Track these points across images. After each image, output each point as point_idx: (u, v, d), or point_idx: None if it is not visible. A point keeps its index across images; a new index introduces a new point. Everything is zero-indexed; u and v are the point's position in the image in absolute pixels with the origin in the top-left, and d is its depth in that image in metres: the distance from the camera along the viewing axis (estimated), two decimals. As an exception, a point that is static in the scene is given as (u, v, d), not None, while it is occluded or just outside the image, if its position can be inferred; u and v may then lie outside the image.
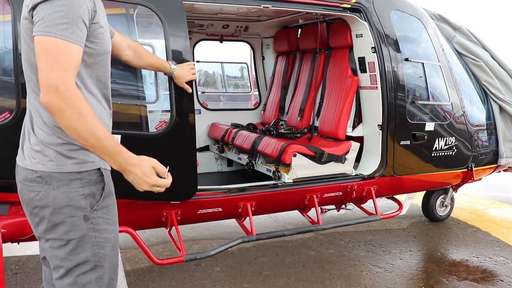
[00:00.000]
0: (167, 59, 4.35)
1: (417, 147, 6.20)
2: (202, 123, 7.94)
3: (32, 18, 2.22)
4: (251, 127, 7.58)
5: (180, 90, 4.44)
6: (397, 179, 6.22)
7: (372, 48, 5.82)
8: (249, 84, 10.01)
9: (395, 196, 6.77)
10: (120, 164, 2.29)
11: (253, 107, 8.58)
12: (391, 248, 6.64)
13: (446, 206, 7.80)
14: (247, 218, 5.43)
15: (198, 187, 5.34)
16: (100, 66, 2.46)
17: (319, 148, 5.87)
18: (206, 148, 7.99)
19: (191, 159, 4.73)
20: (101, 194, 2.45)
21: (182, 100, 4.53)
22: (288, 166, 5.82)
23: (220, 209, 5.33)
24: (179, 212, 5.09)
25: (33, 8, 2.20)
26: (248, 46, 8.40)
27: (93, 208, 2.42)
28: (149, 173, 2.32)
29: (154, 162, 2.37)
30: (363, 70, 6.08)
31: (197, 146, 7.77)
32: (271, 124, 7.63)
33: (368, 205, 6.34)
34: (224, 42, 8.08)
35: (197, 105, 7.92)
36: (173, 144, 4.54)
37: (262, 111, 8.24)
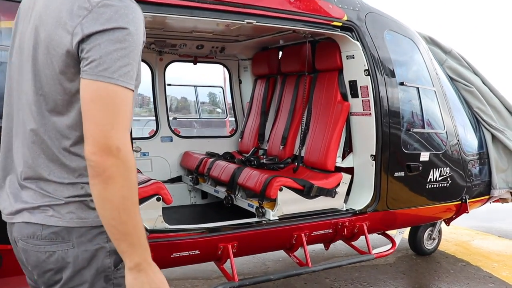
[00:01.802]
0: None
1: (412, 179, 5.76)
2: (174, 151, 7.28)
3: (80, 52, 1.78)
4: (228, 157, 6.95)
5: None
6: (390, 214, 5.71)
7: (365, 70, 5.32)
8: (224, 110, 9.40)
9: (386, 232, 6.21)
10: (141, 262, 1.86)
11: (229, 134, 7.95)
12: (380, 287, 6.20)
13: (434, 239, 7.38)
14: (228, 260, 4.74)
15: (171, 226, 4.70)
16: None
17: (307, 181, 5.27)
18: (178, 179, 7.31)
19: None
20: None
21: None
22: (273, 201, 5.19)
23: (197, 252, 4.67)
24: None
25: (83, 39, 1.75)
26: (224, 68, 7.81)
27: (117, 268, 2.01)
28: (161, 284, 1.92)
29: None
30: (355, 95, 5.56)
31: (169, 177, 7.21)
32: (249, 153, 7.02)
33: (359, 242, 5.74)
34: (198, 64, 7.47)
35: (168, 132, 7.28)
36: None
37: (240, 139, 7.63)
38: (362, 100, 5.46)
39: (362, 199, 5.59)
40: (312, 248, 7.50)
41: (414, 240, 7.26)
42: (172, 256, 4.56)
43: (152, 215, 4.55)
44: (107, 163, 1.73)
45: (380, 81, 5.33)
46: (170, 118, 7.47)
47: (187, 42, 6.82)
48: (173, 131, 7.36)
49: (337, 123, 5.65)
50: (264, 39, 6.60)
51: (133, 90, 1.83)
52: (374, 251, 5.98)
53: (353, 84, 5.56)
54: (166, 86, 7.37)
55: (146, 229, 4.33)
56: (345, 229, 5.39)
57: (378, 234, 6.36)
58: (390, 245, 6.05)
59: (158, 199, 4.57)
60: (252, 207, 5.38)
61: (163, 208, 4.67)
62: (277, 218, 5.12)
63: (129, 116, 1.82)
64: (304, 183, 5.25)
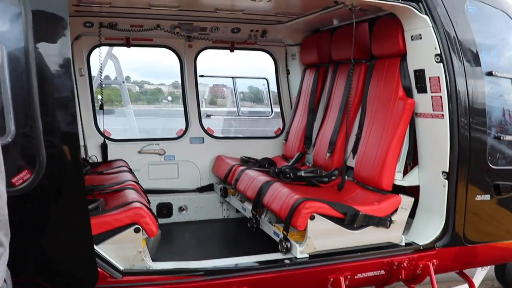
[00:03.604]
0: None
1: (501, 203, 4.33)
2: (205, 155, 6.17)
3: None
4: (265, 164, 5.68)
5: None
6: (468, 250, 4.35)
7: (436, 56, 3.94)
8: (269, 106, 8.07)
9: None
10: None
11: (275, 134, 6.65)
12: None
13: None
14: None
15: (159, 264, 3.57)
16: None
17: (350, 207, 3.92)
18: (209, 188, 6.16)
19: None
20: None
21: None
22: (300, 232, 3.88)
23: (194, 299, 3.48)
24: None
25: None
26: (269, 56, 6.51)
27: None
28: None
29: None
30: (422, 89, 4.13)
31: (198, 185, 6.09)
32: (292, 160, 5.70)
33: None
34: (235, 51, 6.24)
35: (199, 132, 6.15)
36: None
37: (284, 141, 6.31)
38: (432, 96, 4.02)
39: (428, 230, 4.27)
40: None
41: (503, 270, 5.77)
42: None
43: (128, 252, 3.43)
44: None
45: (458, 70, 3.91)
46: (203, 116, 6.33)
47: (219, 25, 5.66)
48: (205, 131, 6.23)
49: (396, 127, 4.22)
50: (312, 18, 5.24)
51: None
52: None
53: (419, 74, 4.13)
54: (198, 78, 6.22)
55: (118, 270, 3.16)
56: (403, 271, 4.01)
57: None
58: (467, 287, 4.53)
59: (136, 230, 3.44)
60: (278, 236, 4.10)
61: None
62: (307, 255, 3.82)
63: None
64: (345, 210, 3.89)
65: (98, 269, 3.24)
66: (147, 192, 5.78)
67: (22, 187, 2.81)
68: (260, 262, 3.85)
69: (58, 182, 2.93)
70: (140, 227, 3.44)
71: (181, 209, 5.97)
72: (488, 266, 5.09)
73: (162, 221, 5.86)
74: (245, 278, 3.61)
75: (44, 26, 2.81)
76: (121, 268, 3.37)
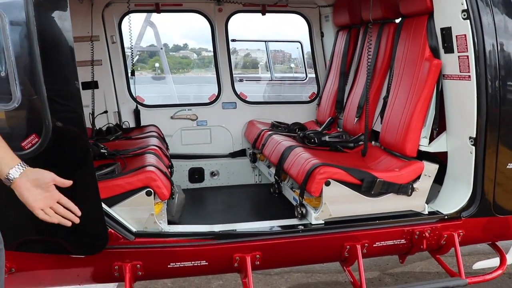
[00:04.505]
0: None
1: None
2: (238, 120, 6.13)
3: None
4: (295, 129, 5.57)
5: None
6: (498, 221, 4.05)
7: (463, 12, 3.60)
8: (304, 70, 7.85)
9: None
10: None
11: (309, 99, 6.50)
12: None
13: None
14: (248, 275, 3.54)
15: (173, 227, 3.63)
16: None
17: (367, 173, 3.76)
18: (242, 153, 6.15)
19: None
20: None
21: None
22: (318, 197, 3.79)
23: (204, 263, 3.53)
24: (138, 265, 3.39)
25: None
26: (302, 19, 6.31)
27: None
28: (46, 186, 2.28)
29: (52, 174, 2.33)
30: (449, 49, 3.84)
31: (231, 150, 6.11)
32: (324, 125, 5.55)
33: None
34: (267, 14, 6.09)
35: (232, 97, 6.11)
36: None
37: (317, 106, 6.17)
38: (459, 56, 3.74)
39: (455, 199, 4.01)
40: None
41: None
42: (169, 266, 3.50)
43: (141, 214, 3.49)
44: None
45: (487, 28, 3.58)
46: (236, 80, 6.27)
47: None
48: (238, 96, 6.17)
49: (422, 90, 3.98)
50: None
51: None
52: (475, 267, 4.35)
53: (446, 32, 3.83)
54: (230, 42, 6.15)
55: (131, 232, 3.24)
56: (425, 240, 3.84)
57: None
58: (498, 260, 4.27)
59: (148, 193, 3.48)
60: (296, 201, 4.04)
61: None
62: (322, 222, 3.74)
63: None
64: (363, 176, 3.74)
65: (111, 230, 3.34)
66: (179, 157, 5.88)
67: (31, 150, 2.90)
68: (274, 227, 3.82)
69: (65, 145, 3.00)
70: (152, 191, 3.49)
71: (213, 174, 6.01)
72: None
73: (194, 186, 5.96)
74: (258, 243, 3.57)
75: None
76: (134, 230, 3.45)
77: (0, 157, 2.25)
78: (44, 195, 2.30)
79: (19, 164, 2.29)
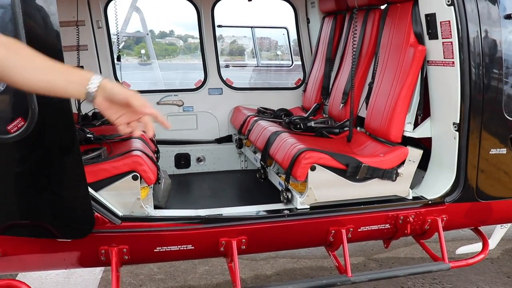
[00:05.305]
0: None
1: None
2: (224, 106, 6.14)
3: None
4: (281, 115, 5.59)
5: None
6: (481, 206, 4.11)
7: None
8: (290, 56, 7.86)
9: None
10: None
11: (295, 85, 6.52)
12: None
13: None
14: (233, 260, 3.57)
15: (159, 212, 3.64)
16: None
17: (352, 158, 3.81)
18: (227, 139, 6.17)
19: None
20: None
21: None
22: (304, 182, 3.83)
23: (190, 247, 3.55)
24: (124, 249, 3.40)
25: None
26: (288, 5, 6.31)
27: None
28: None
29: (127, 93, 1.99)
30: (433, 35, 3.88)
31: (217, 136, 6.11)
32: (309, 111, 5.58)
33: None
34: (253, 0, 6.08)
35: (218, 83, 6.10)
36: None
37: (303, 92, 6.19)
38: (443, 42, 3.77)
39: (439, 184, 4.06)
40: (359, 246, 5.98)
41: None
42: (155, 250, 3.52)
43: (127, 198, 3.49)
44: None
45: (471, 14, 3.61)
46: (221, 66, 6.26)
47: None
48: (224, 82, 6.17)
49: (406, 76, 4.02)
50: None
51: None
52: (458, 252, 4.44)
53: (431, 19, 3.86)
54: (216, 28, 6.12)
55: (117, 216, 3.22)
56: (409, 225, 3.90)
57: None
58: (481, 245, 4.36)
59: (134, 178, 3.48)
60: (282, 187, 4.08)
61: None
62: (307, 207, 3.78)
63: None
64: (347, 161, 3.78)
65: (97, 214, 3.33)
66: (165, 143, 5.87)
67: (17, 133, 2.87)
68: (260, 212, 3.85)
69: (50, 129, 2.98)
70: (138, 175, 3.49)
71: (199, 159, 6.03)
72: (508, 224, 4.81)
73: (180, 171, 5.96)
74: (244, 227, 3.59)
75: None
76: (120, 214, 3.45)
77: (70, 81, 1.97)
78: (123, 112, 2.00)
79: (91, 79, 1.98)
